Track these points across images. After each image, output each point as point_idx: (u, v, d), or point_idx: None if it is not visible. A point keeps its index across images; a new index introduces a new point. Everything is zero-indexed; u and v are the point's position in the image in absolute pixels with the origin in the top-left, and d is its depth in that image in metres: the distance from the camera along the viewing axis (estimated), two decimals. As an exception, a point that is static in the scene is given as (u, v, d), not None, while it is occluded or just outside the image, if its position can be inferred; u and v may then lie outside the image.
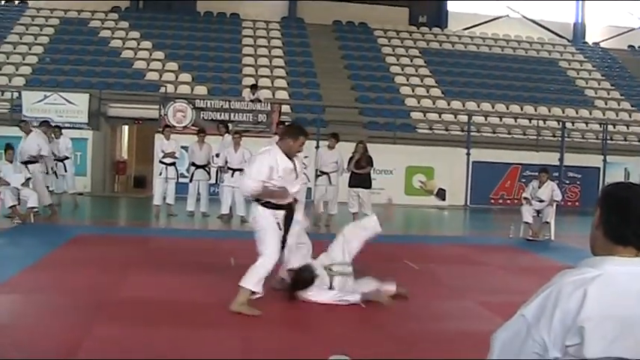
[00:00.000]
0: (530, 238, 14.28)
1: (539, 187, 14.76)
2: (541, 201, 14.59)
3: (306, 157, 15.58)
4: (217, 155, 16.03)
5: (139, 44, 28.48)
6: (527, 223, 14.51)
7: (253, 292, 7.25)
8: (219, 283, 8.69)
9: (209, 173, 16.52)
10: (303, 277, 7.90)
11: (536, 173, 15.55)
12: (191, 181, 16.45)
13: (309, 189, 16.56)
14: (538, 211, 14.64)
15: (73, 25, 29.64)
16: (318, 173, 15.84)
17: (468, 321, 7.51)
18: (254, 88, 22.50)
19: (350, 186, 15.20)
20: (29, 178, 14.03)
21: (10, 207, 13.33)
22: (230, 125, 18.33)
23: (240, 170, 15.30)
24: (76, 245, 11.36)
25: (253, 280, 7.25)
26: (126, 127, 26.76)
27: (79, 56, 26.87)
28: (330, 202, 15.64)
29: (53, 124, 17.21)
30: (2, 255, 10.40)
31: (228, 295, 8.07)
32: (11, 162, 14.02)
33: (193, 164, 16.49)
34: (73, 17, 30.39)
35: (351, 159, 15.26)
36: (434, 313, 7.87)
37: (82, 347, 5.70)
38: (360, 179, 15.10)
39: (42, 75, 25.13)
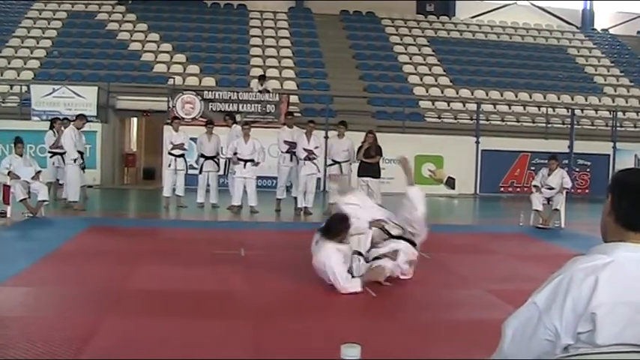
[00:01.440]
0: (541, 226, 14.25)
1: (548, 175, 14.72)
2: (551, 188, 14.56)
3: (316, 147, 15.59)
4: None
5: (146, 36, 28.49)
6: (537, 210, 14.48)
7: None
8: (229, 273, 8.73)
9: (218, 164, 16.54)
10: (336, 223, 7.99)
11: (546, 161, 15.51)
12: (200, 172, 16.49)
13: (319, 179, 16.55)
14: (548, 199, 14.62)
15: (81, 19, 29.64)
16: (330, 162, 15.86)
17: (479, 309, 7.52)
18: (262, 79, 22.49)
19: (359, 175, 15.20)
20: (39, 172, 14.08)
21: (21, 200, 13.38)
22: (237, 116, 18.33)
23: (251, 161, 15.34)
24: (87, 237, 11.41)
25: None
26: (134, 120, 26.79)
27: (87, 49, 26.90)
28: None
29: (62, 118, 17.23)
30: (15, 248, 10.46)
31: (239, 285, 8.12)
32: (21, 155, 14.07)
33: (202, 155, 16.51)
34: (80, 10, 30.38)
35: (360, 148, 15.27)
36: (445, 301, 7.88)
37: (94, 338, 5.72)
38: (370, 169, 15.10)
39: (50, 68, 25.17)
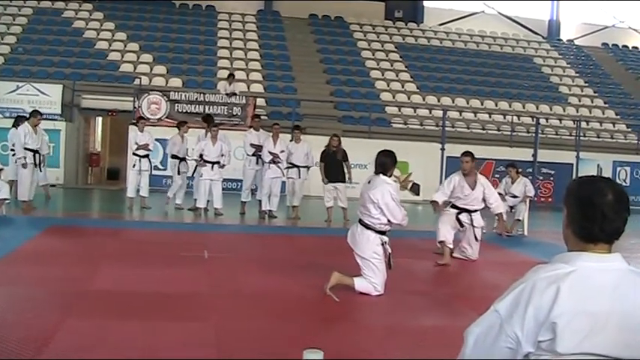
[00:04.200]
0: (504, 234, 14.35)
1: (512, 183, 14.84)
2: (514, 196, 14.67)
3: (282, 151, 15.59)
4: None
5: (113, 35, 28.26)
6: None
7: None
8: (192, 275, 8.68)
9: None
10: (386, 157, 8.16)
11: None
12: (179, 173, 16.41)
13: (283, 183, 16.55)
14: (511, 207, 14.73)
15: (47, 15, 29.33)
16: (288, 165, 15.86)
17: (442, 315, 7.54)
18: (231, 77, 22.44)
19: (329, 181, 15.21)
20: (1, 169, 13.87)
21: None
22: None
23: (218, 163, 15.28)
24: (48, 237, 11.26)
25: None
26: (99, 119, 26.56)
27: (53, 47, 26.62)
28: (296, 195, 15.76)
29: (27, 116, 17.00)
30: (-27, 247, 10.29)
31: (202, 287, 8.07)
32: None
33: (175, 156, 16.43)
34: (46, 7, 30.05)
35: (323, 152, 15.33)
36: (408, 307, 7.89)
37: (53, 339, 5.65)
38: (338, 173, 15.15)
39: (15, 65, 24.84)
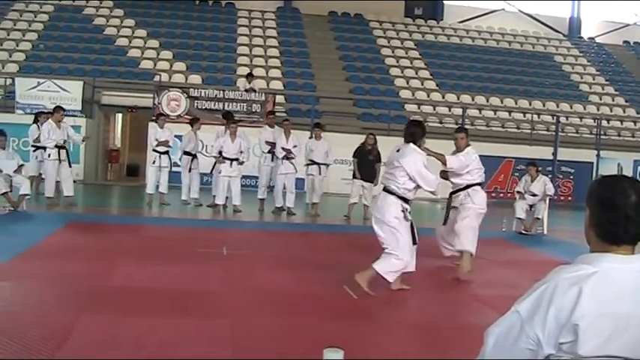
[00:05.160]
0: (523, 232, 14.29)
1: (531, 182, 14.76)
2: (534, 195, 14.59)
3: (294, 146, 15.59)
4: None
5: (133, 32, 28.37)
6: (519, 218, 14.52)
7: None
8: (210, 272, 8.69)
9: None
10: (415, 127, 8.28)
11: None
12: (190, 170, 16.45)
13: (301, 180, 16.53)
14: (531, 206, 14.66)
15: (68, 12, 29.49)
16: (308, 162, 15.87)
17: (462, 314, 7.52)
18: (250, 76, 22.42)
19: (361, 178, 15.20)
20: (22, 165, 13.95)
21: (2, 194, 13.25)
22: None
23: (236, 160, 15.28)
24: (67, 233, 11.33)
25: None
26: (119, 115, 26.68)
27: (73, 43, 26.76)
28: (316, 192, 15.76)
29: (46, 111, 17.10)
30: (-6, 242, 10.35)
31: (220, 284, 8.07)
32: (4, 149, 13.95)
33: (188, 153, 16.48)
34: (67, 4, 30.20)
35: (357, 149, 15.32)
36: (428, 305, 7.86)
37: (71, 336, 5.66)
38: (369, 172, 15.14)
39: (36, 62, 25.01)
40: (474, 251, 9.48)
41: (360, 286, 7.62)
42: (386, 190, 7.92)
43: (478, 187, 9.97)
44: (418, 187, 7.85)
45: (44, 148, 15.24)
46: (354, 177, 15.41)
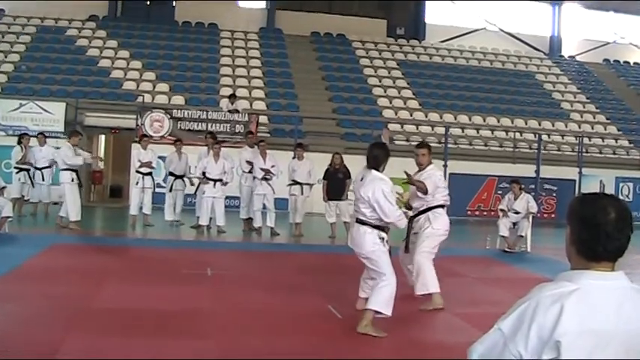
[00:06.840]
0: (507, 250, 14.35)
1: (514, 199, 14.84)
2: (517, 213, 14.66)
3: (272, 166, 15.60)
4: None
5: (116, 53, 28.32)
6: (503, 236, 14.58)
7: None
8: (195, 293, 8.67)
9: (185, 183, 16.55)
10: (378, 151, 7.51)
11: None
12: (170, 190, 16.42)
13: (284, 199, 16.55)
14: (514, 223, 14.72)
15: (50, 34, 29.42)
16: (291, 182, 15.92)
17: (445, 332, 7.53)
18: (232, 97, 22.46)
19: (329, 198, 15.30)
20: (4, 187, 13.89)
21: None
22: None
23: (220, 180, 15.26)
24: (51, 255, 11.27)
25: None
26: (102, 137, 26.56)
27: (56, 65, 26.69)
28: (299, 212, 15.78)
29: (30, 134, 17.11)
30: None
31: (206, 304, 8.05)
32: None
33: (172, 174, 16.46)
34: (50, 25, 30.16)
35: (327, 171, 15.42)
36: (413, 324, 7.87)
37: (55, 357, 5.64)
38: (340, 191, 15.21)
39: (18, 83, 24.91)
40: (438, 289, 8.70)
41: (366, 327, 7.13)
42: (358, 220, 7.44)
43: (441, 210, 9.19)
44: None
45: (27, 170, 15.25)
46: (324, 199, 15.52)
